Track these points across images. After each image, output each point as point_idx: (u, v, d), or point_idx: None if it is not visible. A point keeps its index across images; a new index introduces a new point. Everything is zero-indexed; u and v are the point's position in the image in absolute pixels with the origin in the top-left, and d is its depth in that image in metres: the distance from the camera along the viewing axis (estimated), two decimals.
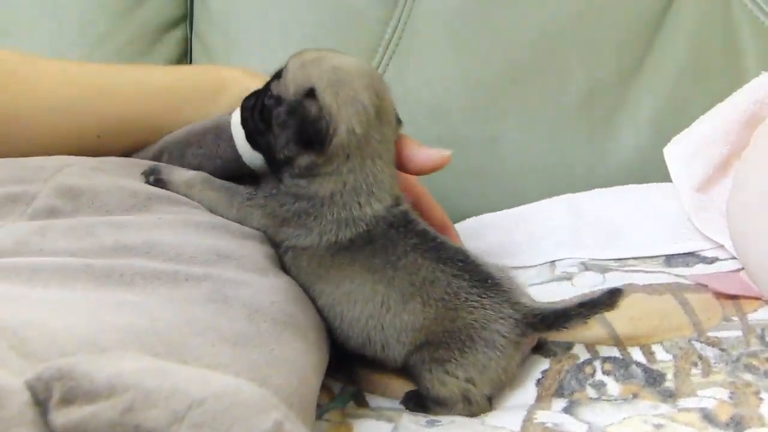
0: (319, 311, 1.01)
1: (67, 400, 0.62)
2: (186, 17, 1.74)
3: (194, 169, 1.10)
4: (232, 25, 1.69)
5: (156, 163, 1.13)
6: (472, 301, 0.95)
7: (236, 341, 0.83)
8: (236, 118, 1.08)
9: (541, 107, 1.61)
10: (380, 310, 0.97)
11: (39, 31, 1.69)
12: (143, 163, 1.15)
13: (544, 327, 0.97)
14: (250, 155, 1.09)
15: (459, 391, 0.96)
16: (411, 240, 0.99)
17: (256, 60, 1.66)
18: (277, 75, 1.02)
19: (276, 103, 1.00)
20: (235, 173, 1.12)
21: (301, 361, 0.91)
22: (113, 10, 1.68)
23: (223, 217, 1.05)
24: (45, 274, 0.83)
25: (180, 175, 1.06)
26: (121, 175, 1.09)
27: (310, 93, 0.97)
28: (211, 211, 1.05)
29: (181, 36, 1.74)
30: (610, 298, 0.97)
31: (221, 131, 1.13)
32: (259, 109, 1.02)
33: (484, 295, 0.95)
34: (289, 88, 0.99)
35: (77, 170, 1.07)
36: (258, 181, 1.09)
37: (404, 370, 1.02)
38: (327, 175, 0.99)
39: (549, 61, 1.61)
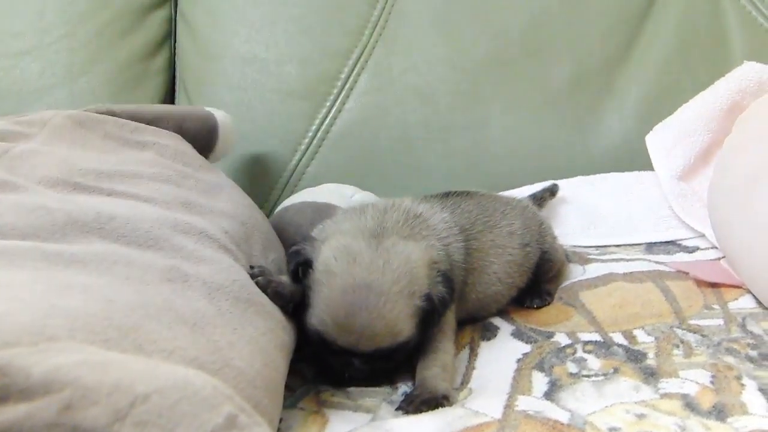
0: None
1: (1, 398, 0.58)
2: None
3: None
4: (217, 5, 1.67)
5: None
6: None
7: (195, 322, 0.79)
8: None
9: (527, 93, 1.61)
10: None
11: (21, 10, 1.67)
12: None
13: None
14: None
15: None
16: None
17: (240, 40, 1.65)
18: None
19: None
20: None
21: (265, 340, 0.87)
22: None
23: None
24: None
25: None
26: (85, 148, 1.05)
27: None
28: None
29: (165, 16, 1.72)
30: None
31: None
32: None
33: None
34: None
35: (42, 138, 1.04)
36: None
37: None
38: None
39: (536, 48, 1.61)
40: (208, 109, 1.36)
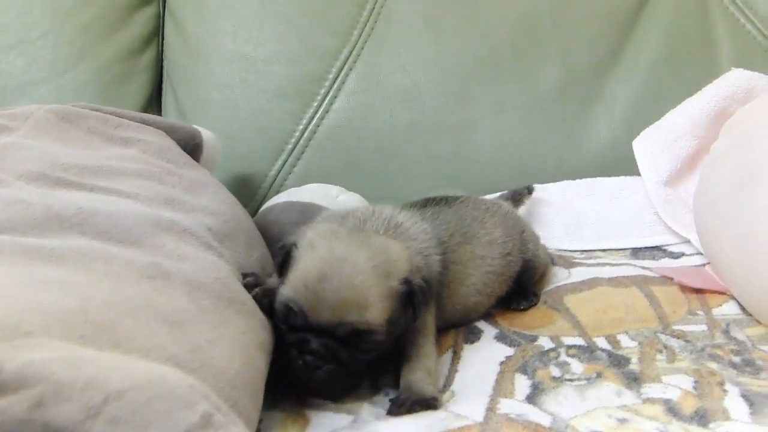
0: None
1: None
2: None
3: None
4: (206, 3, 1.67)
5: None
6: None
7: (175, 320, 0.78)
8: None
9: (515, 96, 1.61)
10: None
11: (7, 4, 1.65)
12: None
13: None
14: None
15: None
16: None
17: (228, 38, 1.64)
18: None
19: None
20: None
21: (246, 340, 0.86)
22: None
23: None
24: None
25: None
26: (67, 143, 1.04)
27: None
28: None
29: (153, 12, 1.71)
30: None
31: None
32: None
33: None
34: None
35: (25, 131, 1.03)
36: None
37: None
38: None
39: (525, 51, 1.61)
40: (195, 126, 1.35)
